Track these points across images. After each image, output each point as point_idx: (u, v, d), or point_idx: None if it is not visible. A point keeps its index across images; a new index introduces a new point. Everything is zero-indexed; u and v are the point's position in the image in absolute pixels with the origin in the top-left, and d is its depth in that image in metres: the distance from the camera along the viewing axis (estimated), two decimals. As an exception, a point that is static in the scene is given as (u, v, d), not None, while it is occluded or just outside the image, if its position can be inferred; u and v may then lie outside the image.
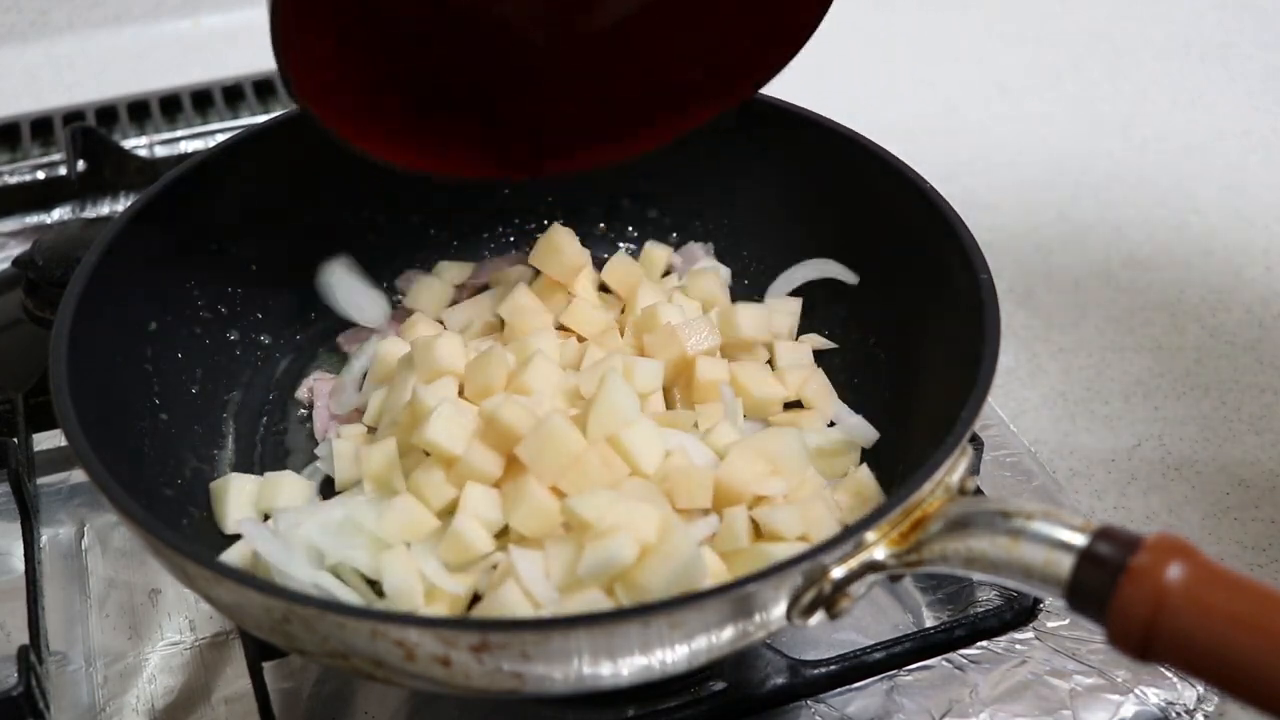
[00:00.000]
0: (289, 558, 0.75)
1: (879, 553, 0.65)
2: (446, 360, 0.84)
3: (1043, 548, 0.61)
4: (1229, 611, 0.57)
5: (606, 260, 0.96)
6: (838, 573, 0.65)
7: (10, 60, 1.44)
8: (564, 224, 0.96)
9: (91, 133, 1.21)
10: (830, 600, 0.65)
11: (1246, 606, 0.57)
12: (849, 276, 0.92)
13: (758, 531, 0.78)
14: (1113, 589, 0.59)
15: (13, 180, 1.21)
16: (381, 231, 1.00)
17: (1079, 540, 0.61)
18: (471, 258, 1.02)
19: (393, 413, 0.84)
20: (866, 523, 0.66)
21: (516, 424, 0.76)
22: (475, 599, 0.77)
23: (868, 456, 0.86)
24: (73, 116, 1.29)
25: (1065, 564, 0.61)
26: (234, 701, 0.79)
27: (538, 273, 0.95)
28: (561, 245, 0.93)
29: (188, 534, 0.78)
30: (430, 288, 0.98)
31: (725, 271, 0.99)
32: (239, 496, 0.81)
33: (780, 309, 0.94)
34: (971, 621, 0.82)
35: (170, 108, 1.33)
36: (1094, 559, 0.60)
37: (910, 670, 0.80)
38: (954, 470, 0.69)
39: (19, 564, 0.86)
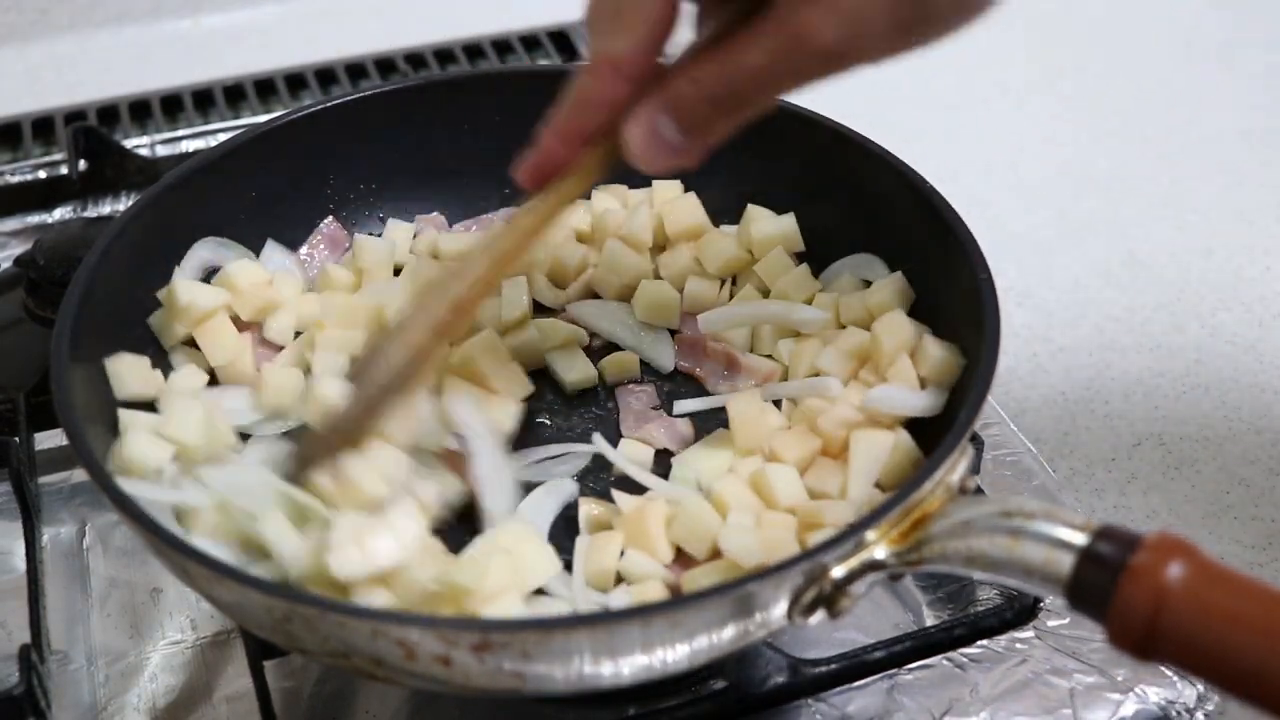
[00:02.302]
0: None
1: (879, 552, 0.66)
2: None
3: (1043, 547, 0.61)
4: (1229, 610, 0.57)
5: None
6: (838, 572, 0.65)
7: (11, 60, 1.44)
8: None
9: (93, 132, 1.21)
10: (831, 599, 0.65)
11: (1247, 605, 0.57)
12: (884, 272, 0.91)
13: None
14: (1113, 588, 0.59)
15: (14, 180, 1.21)
16: (384, 228, 1.00)
17: (1079, 539, 0.61)
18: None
19: None
20: (867, 522, 0.66)
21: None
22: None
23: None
24: (74, 116, 1.29)
25: (1066, 563, 0.61)
26: (235, 700, 0.79)
27: None
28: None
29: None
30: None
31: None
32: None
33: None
34: (972, 620, 0.82)
35: (171, 107, 1.33)
36: (1094, 558, 0.60)
37: (911, 669, 0.80)
38: (954, 469, 0.69)
39: (20, 563, 0.86)
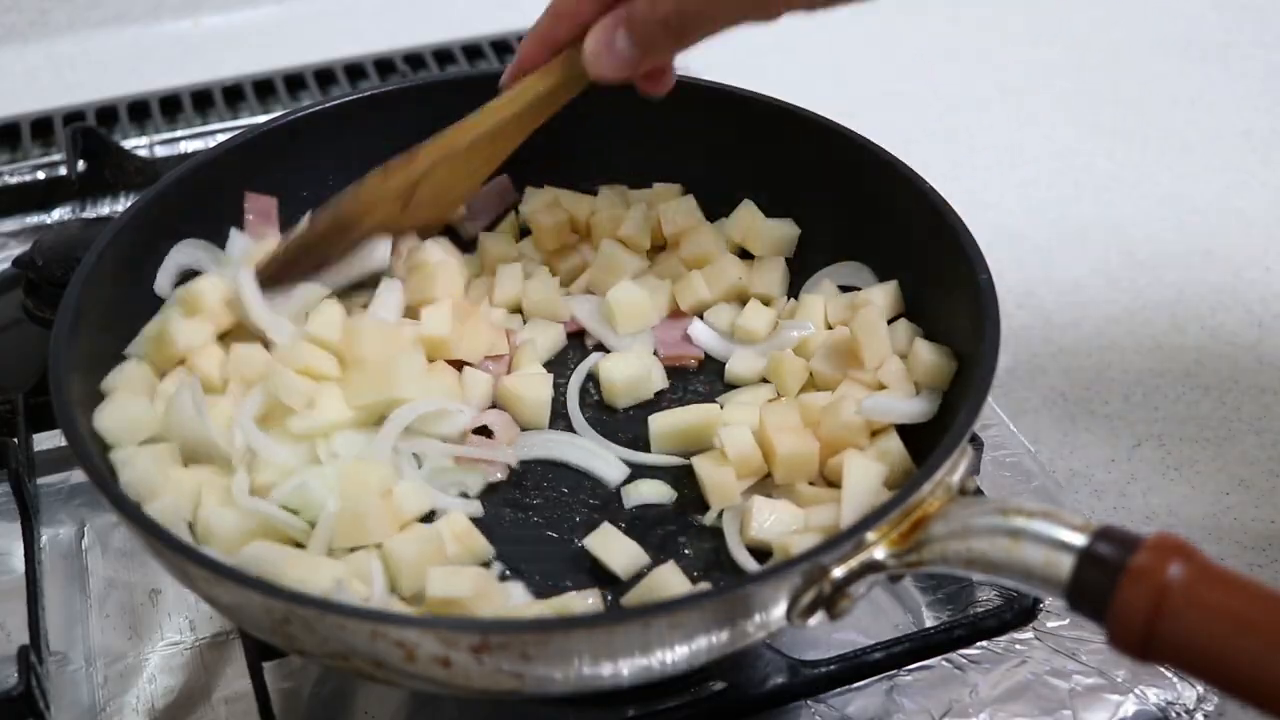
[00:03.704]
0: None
1: (879, 553, 0.65)
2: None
3: (1043, 548, 0.61)
4: (1229, 611, 0.57)
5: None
6: (838, 573, 0.65)
7: (10, 60, 1.44)
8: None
9: (91, 133, 1.21)
10: (830, 601, 0.65)
11: (1246, 606, 0.57)
12: (872, 281, 0.92)
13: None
14: (1113, 589, 0.59)
15: (13, 180, 1.21)
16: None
17: (1079, 540, 0.61)
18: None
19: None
20: (867, 523, 0.66)
21: None
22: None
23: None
24: (73, 116, 1.29)
25: (1065, 564, 0.61)
26: (234, 701, 0.79)
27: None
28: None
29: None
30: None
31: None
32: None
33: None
34: (971, 621, 0.82)
35: (170, 108, 1.33)
36: (1094, 559, 0.60)
37: (910, 670, 0.80)
38: (954, 470, 0.69)
39: (19, 564, 0.85)
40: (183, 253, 0.90)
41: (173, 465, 0.78)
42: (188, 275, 0.89)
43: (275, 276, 0.88)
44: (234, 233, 0.93)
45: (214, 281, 0.87)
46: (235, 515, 0.76)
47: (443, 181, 0.89)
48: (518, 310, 0.95)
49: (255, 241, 0.93)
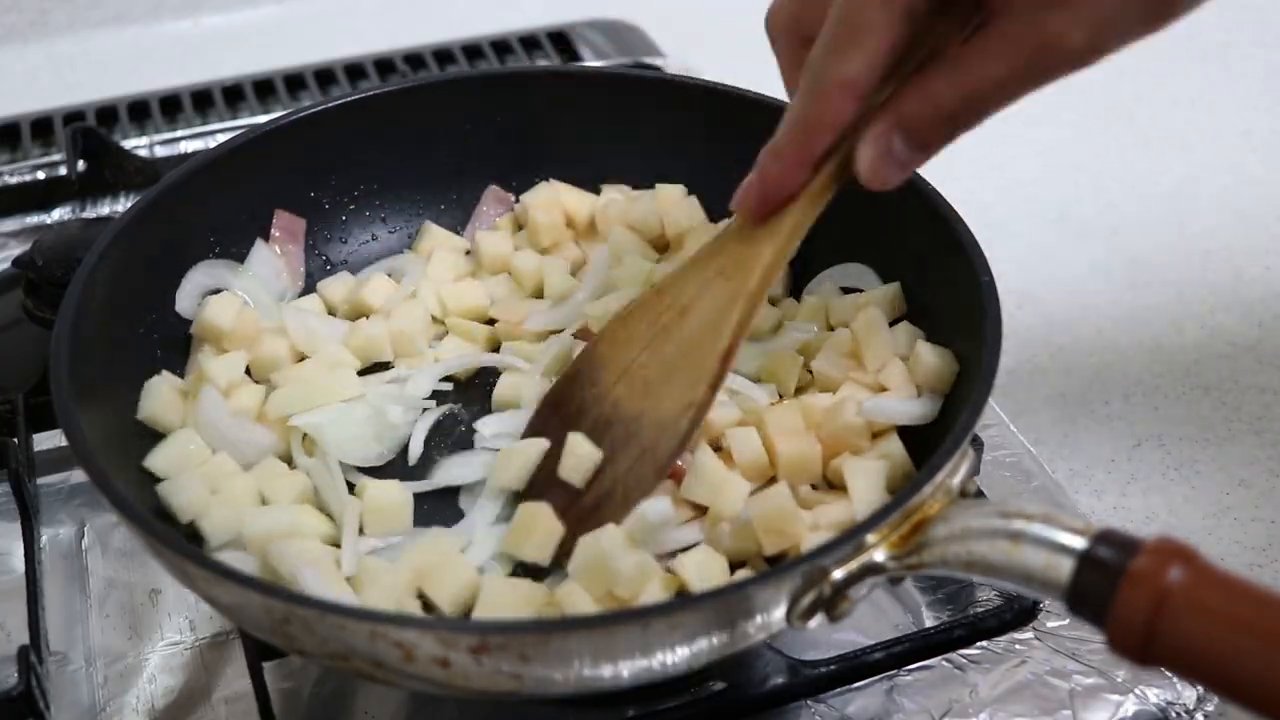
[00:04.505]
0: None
1: (879, 555, 0.65)
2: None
3: (1043, 551, 0.61)
4: (1229, 616, 0.57)
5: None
6: (837, 575, 0.65)
7: (10, 60, 1.44)
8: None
9: (91, 133, 1.21)
10: (830, 603, 0.65)
11: (1247, 610, 0.57)
12: (874, 282, 0.91)
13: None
14: (1113, 593, 0.59)
15: (13, 180, 1.20)
16: (386, 228, 1.00)
17: (1079, 544, 0.61)
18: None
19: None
20: (867, 525, 0.66)
21: None
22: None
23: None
24: (73, 116, 1.29)
25: (1065, 568, 0.61)
26: (234, 701, 0.79)
27: None
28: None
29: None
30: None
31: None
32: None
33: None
34: (971, 621, 0.82)
35: (170, 108, 1.33)
36: (1094, 563, 0.60)
37: (910, 670, 0.80)
38: (955, 473, 0.69)
39: (19, 564, 0.85)
40: (202, 273, 0.91)
41: (223, 478, 0.80)
42: (209, 294, 0.90)
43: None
44: (258, 244, 0.94)
45: (226, 304, 0.87)
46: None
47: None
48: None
49: (278, 255, 0.94)
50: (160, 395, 0.83)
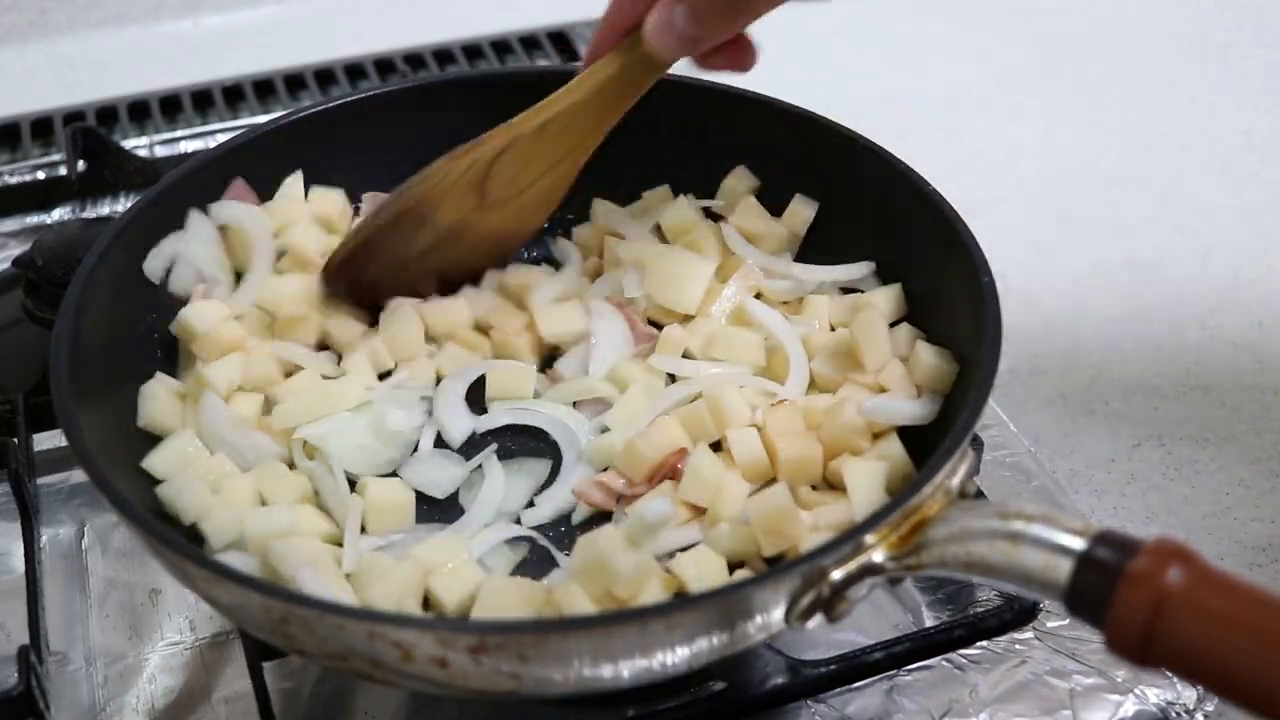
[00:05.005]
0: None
1: (878, 556, 0.65)
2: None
3: (1042, 552, 0.61)
4: (1228, 616, 0.57)
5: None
6: (836, 575, 0.65)
7: (10, 60, 1.44)
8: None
9: (91, 133, 1.21)
10: (829, 603, 0.65)
11: (1245, 611, 0.57)
12: (874, 283, 0.91)
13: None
14: (1111, 594, 0.59)
15: (13, 180, 1.21)
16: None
17: (1078, 544, 0.61)
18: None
19: None
20: (866, 526, 0.66)
21: None
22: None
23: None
24: (73, 116, 1.29)
25: (1064, 568, 0.60)
26: (234, 701, 0.79)
27: None
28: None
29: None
30: None
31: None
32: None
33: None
34: (971, 621, 0.82)
35: (170, 108, 1.33)
36: (1093, 563, 0.60)
37: (910, 670, 0.80)
38: (955, 474, 0.69)
39: (19, 564, 0.86)
40: (174, 241, 0.89)
41: (223, 479, 0.80)
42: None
43: (344, 272, 0.88)
44: (192, 213, 0.90)
45: (208, 309, 0.87)
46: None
47: (517, 174, 0.88)
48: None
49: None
50: (157, 399, 0.83)
